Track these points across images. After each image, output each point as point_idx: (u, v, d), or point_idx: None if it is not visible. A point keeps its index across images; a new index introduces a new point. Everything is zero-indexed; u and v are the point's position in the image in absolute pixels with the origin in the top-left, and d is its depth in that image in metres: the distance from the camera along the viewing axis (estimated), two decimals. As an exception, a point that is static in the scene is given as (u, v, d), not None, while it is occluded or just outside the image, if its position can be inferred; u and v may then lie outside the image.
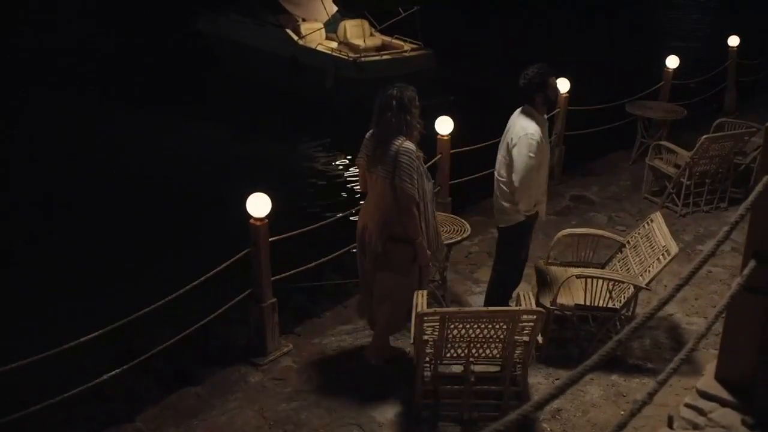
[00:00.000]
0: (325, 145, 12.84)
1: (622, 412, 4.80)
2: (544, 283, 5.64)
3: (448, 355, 4.64)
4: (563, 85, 8.25)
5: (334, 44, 14.59)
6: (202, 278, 5.24)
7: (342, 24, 14.80)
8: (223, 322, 5.71)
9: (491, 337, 4.52)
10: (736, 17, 20.18)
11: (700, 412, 3.94)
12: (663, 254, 5.22)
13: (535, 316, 4.45)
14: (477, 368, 4.80)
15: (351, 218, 8.51)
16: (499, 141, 5.46)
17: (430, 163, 6.55)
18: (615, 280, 5.34)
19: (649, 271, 5.26)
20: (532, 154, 5.10)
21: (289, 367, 5.42)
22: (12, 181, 10.57)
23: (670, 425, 4.07)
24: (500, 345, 4.57)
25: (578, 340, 5.43)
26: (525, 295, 4.98)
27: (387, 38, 14.86)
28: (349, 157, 12.26)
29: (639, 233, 5.76)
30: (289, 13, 15.06)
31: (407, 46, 14.42)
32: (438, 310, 4.50)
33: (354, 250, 5.38)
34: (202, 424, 4.83)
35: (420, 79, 12.90)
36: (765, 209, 3.56)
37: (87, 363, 5.19)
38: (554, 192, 6.81)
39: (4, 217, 9.29)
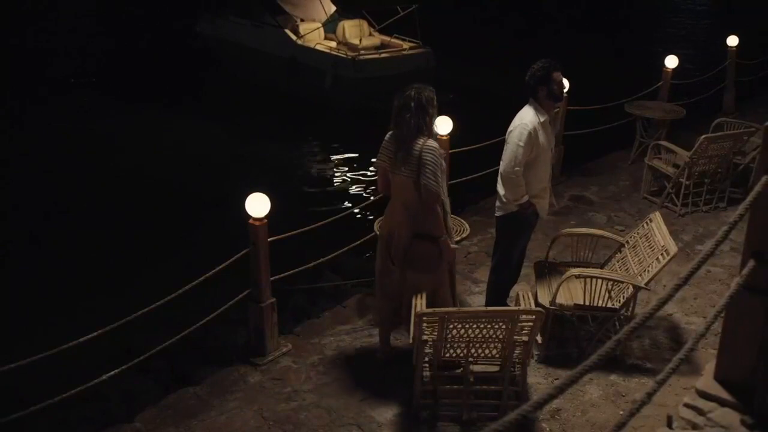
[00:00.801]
0: (324, 145, 12.85)
1: (621, 412, 4.80)
2: (543, 282, 5.64)
3: (447, 355, 4.64)
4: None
5: (333, 44, 14.60)
6: (202, 278, 5.24)
7: (341, 24, 14.82)
8: (222, 323, 5.72)
9: (490, 337, 4.52)
10: (734, 18, 20.20)
11: (700, 411, 3.95)
12: (662, 254, 5.21)
13: (534, 316, 4.44)
14: (476, 368, 4.80)
15: (350, 218, 8.55)
16: (499, 141, 5.50)
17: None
18: (614, 280, 5.34)
19: (648, 270, 5.25)
20: (521, 143, 5.14)
21: (288, 367, 5.42)
22: (12, 181, 10.56)
23: (669, 425, 4.07)
24: (499, 345, 4.57)
25: (577, 339, 5.43)
26: (524, 295, 4.98)
27: (386, 37, 14.88)
28: (348, 156, 12.28)
29: (638, 233, 5.76)
30: (288, 14, 15.07)
31: (406, 45, 14.44)
32: (437, 310, 4.50)
33: (351, 249, 5.37)
34: (201, 425, 4.83)
35: (419, 78, 12.93)
36: (764, 209, 3.57)
37: (86, 363, 5.18)
38: (553, 192, 6.80)
39: (3, 217, 9.28)
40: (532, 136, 5.17)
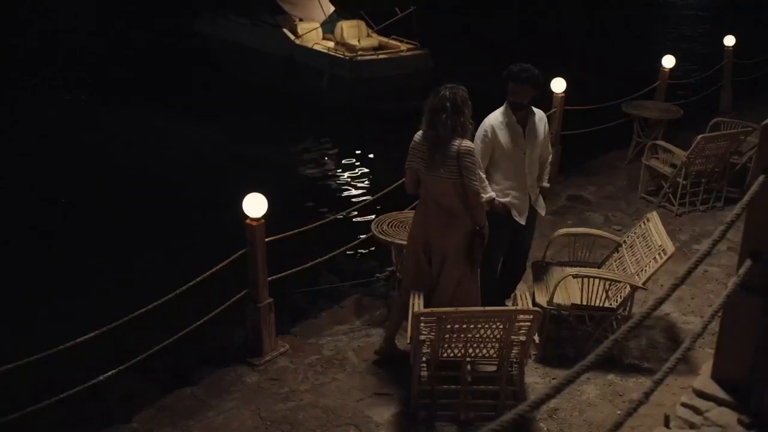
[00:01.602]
0: (322, 145, 12.84)
1: (618, 412, 4.81)
2: (541, 282, 5.65)
3: (445, 355, 4.64)
4: (559, 84, 8.23)
5: (331, 44, 14.61)
6: (199, 278, 5.23)
7: (339, 24, 14.83)
8: (219, 323, 5.70)
9: (488, 336, 4.52)
10: (735, 17, 20.21)
11: (697, 411, 3.95)
12: (659, 254, 5.22)
13: (531, 316, 4.45)
14: (474, 368, 4.79)
15: (347, 219, 8.55)
16: None
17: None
18: (611, 280, 5.35)
19: (646, 270, 5.26)
20: (477, 140, 5.24)
21: (286, 367, 5.42)
22: (11, 182, 10.54)
23: (666, 424, 4.07)
24: (497, 345, 4.57)
25: (575, 339, 5.44)
26: (522, 295, 4.98)
27: (384, 38, 14.88)
28: (345, 157, 12.27)
29: (635, 233, 5.77)
30: (287, 13, 15.08)
31: (404, 47, 14.44)
32: (434, 310, 4.50)
33: (348, 249, 5.35)
34: (199, 425, 4.83)
35: (416, 79, 12.99)
36: (761, 209, 3.57)
37: (84, 363, 5.19)
38: (550, 192, 6.80)
39: (3, 217, 9.27)
40: (487, 134, 5.27)
